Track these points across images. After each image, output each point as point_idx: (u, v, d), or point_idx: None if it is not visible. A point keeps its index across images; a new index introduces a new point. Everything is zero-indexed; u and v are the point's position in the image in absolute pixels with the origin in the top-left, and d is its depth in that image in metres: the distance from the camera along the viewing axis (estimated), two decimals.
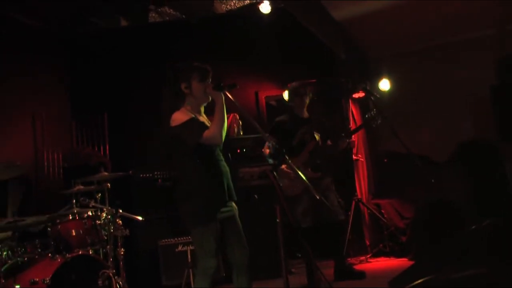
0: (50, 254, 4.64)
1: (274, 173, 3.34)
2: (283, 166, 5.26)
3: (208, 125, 3.65)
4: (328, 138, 5.71)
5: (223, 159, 3.72)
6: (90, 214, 5.05)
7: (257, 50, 7.48)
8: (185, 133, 3.51)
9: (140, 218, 5.44)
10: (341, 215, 5.57)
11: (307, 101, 5.67)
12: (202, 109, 3.75)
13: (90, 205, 5.23)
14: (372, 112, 5.54)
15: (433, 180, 5.74)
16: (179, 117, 3.54)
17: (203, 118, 3.72)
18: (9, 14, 6.29)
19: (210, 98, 3.65)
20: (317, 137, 5.60)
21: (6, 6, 6.06)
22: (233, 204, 3.76)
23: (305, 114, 5.71)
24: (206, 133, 3.48)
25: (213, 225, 3.53)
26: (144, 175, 6.40)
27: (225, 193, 3.63)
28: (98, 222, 5.05)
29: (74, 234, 4.80)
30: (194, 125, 3.52)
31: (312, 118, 5.72)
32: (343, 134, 5.63)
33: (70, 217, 4.89)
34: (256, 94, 7.81)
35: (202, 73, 3.64)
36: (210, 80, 3.65)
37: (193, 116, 3.57)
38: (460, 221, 5.46)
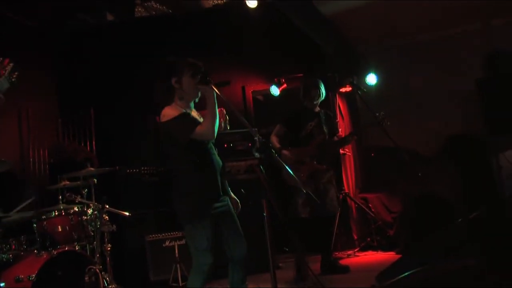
0: (36, 251, 4.60)
1: (261, 167, 3.33)
2: (286, 153, 5.47)
3: (200, 120, 3.61)
4: (335, 134, 5.86)
5: (216, 153, 3.67)
6: (77, 209, 5.00)
7: (244, 45, 7.43)
8: (176, 129, 3.45)
9: (127, 213, 5.41)
10: (336, 209, 5.68)
11: (319, 99, 5.74)
12: (192, 105, 3.67)
13: (77, 201, 5.20)
14: (380, 114, 5.55)
15: (420, 174, 5.69)
16: (169, 112, 3.48)
17: (195, 113, 3.66)
18: None
19: (200, 94, 3.59)
20: (325, 131, 5.72)
21: None
22: (228, 199, 3.70)
23: (316, 108, 5.80)
24: (199, 129, 3.43)
25: (207, 220, 3.46)
26: (131, 171, 6.35)
27: (219, 188, 3.59)
28: (84, 217, 5.02)
29: (60, 230, 4.77)
30: (185, 120, 3.47)
31: (322, 112, 5.82)
32: (352, 132, 5.77)
33: (56, 213, 4.86)
34: (243, 88, 7.76)
35: (194, 68, 3.55)
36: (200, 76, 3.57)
37: (184, 111, 3.52)
38: (447, 214, 5.48)
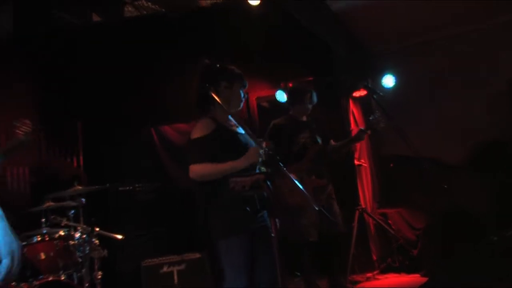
0: (14, 282, 4.44)
1: (268, 182, 3.39)
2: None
3: (237, 129, 3.71)
4: (330, 139, 5.72)
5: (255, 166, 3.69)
6: (62, 234, 4.95)
7: (245, 46, 7.29)
8: (189, 151, 3.58)
9: (119, 236, 5.46)
10: (343, 226, 5.58)
11: (310, 106, 5.67)
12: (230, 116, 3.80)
13: (62, 224, 5.17)
14: (375, 114, 5.53)
15: (445, 186, 5.43)
16: (198, 129, 3.61)
17: (233, 125, 3.75)
18: None
19: (241, 107, 3.80)
20: (319, 140, 5.62)
21: None
22: (266, 214, 3.72)
23: (304, 118, 5.72)
24: (196, 167, 3.49)
25: (243, 236, 3.50)
26: (124, 189, 6.44)
27: (257, 202, 3.60)
28: (71, 242, 4.97)
29: (43, 257, 4.69)
30: (202, 146, 3.54)
31: (311, 120, 5.73)
32: (362, 128, 5.65)
33: (39, 238, 4.79)
34: (246, 95, 7.61)
35: (242, 79, 3.81)
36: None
37: (207, 132, 3.57)
38: (478, 231, 5.45)
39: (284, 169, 3.37)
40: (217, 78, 3.74)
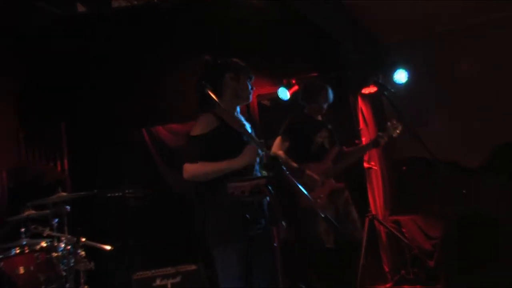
0: None
1: (270, 187, 3.29)
2: (312, 174, 5.39)
3: (242, 127, 3.72)
4: (343, 144, 5.88)
5: (257, 168, 3.75)
6: (44, 245, 4.93)
7: (245, 40, 7.23)
8: (186, 149, 3.67)
9: (108, 247, 5.43)
10: (361, 234, 5.77)
11: (325, 106, 5.74)
12: (239, 109, 3.92)
13: (45, 234, 5.15)
14: (393, 121, 5.65)
15: (464, 191, 5.45)
16: (198, 125, 3.67)
17: (237, 121, 3.80)
18: None
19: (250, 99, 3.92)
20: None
21: None
22: (265, 220, 3.74)
23: (319, 117, 5.80)
24: (189, 166, 3.55)
25: (240, 244, 3.50)
26: (113, 195, 6.38)
27: (257, 207, 3.65)
28: (54, 254, 4.95)
29: (22, 272, 4.68)
30: (199, 144, 3.60)
31: (326, 120, 5.84)
32: (380, 133, 5.71)
33: (18, 251, 4.80)
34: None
35: (248, 70, 3.91)
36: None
37: (207, 131, 3.62)
38: (501, 240, 5.39)
39: (287, 173, 3.32)
40: (222, 71, 3.81)
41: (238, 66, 3.88)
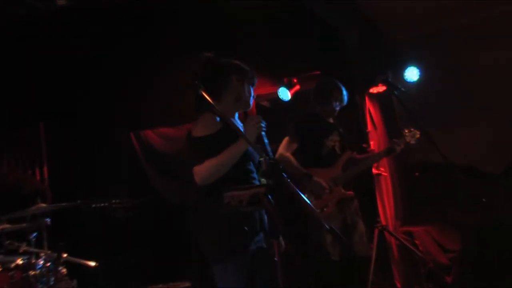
0: None
1: (269, 196, 3.28)
2: (320, 182, 5.36)
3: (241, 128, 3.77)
4: (354, 149, 5.81)
5: (256, 176, 3.77)
6: (20, 262, 4.84)
7: (242, 36, 7.24)
8: (191, 151, 3.66)
9: (92, 263, 5.36)
10: (369, 248, 5.68)
11: (337, 108, 5.74)
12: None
13: (21, 250, 5.05)
14: (409, 130, 5.64)
15: (483, 199, 5.45)
16: (200, 126, 3.66)
17: (235, 125, 3.78)
18: None
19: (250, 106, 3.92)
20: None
21: None
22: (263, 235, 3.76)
23: (331, 119, 5.79)
24: (199, 170, 3.53)
25: (241, 259, 3.53)
26: (98, 205, 6.33)
27: (256, 222, 3.64)
28: (32, 273, 4.85)
29: None
30: (205, 145, 3.60)
31: (338, 124, 5.80)
32: (395, 140, 5.70)
33: None
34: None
35: (252, 75, 3.91)
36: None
37: (211, 132, 3.63)
38: None
39: (289, 180, 3.25)
40: (227, 72, 3.83)
41: (243, 69, 3.89)
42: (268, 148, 3.60)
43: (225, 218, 3.54)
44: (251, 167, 3.77)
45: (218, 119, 3.66)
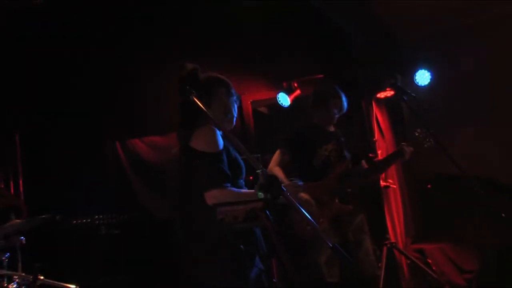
0: None
1: (267, 212, 3.20)
2: (305, 197, 5.28)
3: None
4: (362, 159, 5.79)
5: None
6: None
7: (239, 38, 7.37)
8: (209, 170, 3.56)
9: (72, 286, 5.14)
10: (376, 268, 5.60)
11: (336, 115, 5.73)
12: None
13: None
14: (422, 130, 5.60)
15: (503, 214, 5.37)
16: (210, 140, 3.62)
17: (238, 142, 3.80)
18: None
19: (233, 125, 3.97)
20: (347, 156, 5.67)
21: None
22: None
23: (331, 127, 5.77)
24: (216, 194, 3.51)
25: (238, 284, 3.52)
26: (79, 221, 6.33)
27: (258, 240, 3.67)
28: None
29: None
30: (221, 165, 3.59)
31: (339, 132, 5.79)
32: (404, 143, 5.68)
33: None
34: (239, 98, 7.47)
35: (235, 93, 3.94)
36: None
37: (221, 147, 3.64)
38: None
39: (288, 194, 3.23)
40: (216, 84, 3.86)
41: (229, 84, 3.92)
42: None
43: (217, 237, 3.53)
44: (241, 182, 3.75)
45: (220, 133, 3.68)
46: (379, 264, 6.49)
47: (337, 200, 5.41)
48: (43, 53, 6.93)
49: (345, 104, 5.71)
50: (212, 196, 3.50)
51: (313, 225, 3.50)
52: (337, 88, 5.66)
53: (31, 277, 4.86)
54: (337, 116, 5.69)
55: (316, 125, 5.68)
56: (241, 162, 3.78)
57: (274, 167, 5.49)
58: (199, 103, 3.49)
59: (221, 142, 3.64)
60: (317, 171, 5.48)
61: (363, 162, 5.76)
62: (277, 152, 5.56)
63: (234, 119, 3.96)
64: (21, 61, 6.89)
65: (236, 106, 3.96)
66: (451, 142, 5.44)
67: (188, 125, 3.74)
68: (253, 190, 3.46)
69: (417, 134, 5.64)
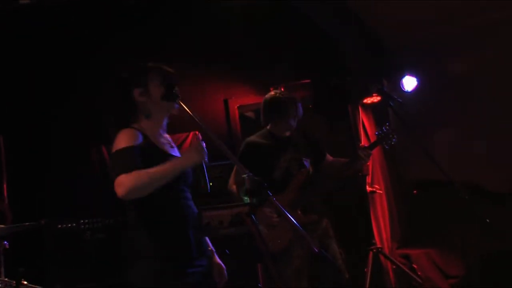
0: None
1: (253, 217, 3.23)
2: (266, 211, 5.12)
3: (171, 148, 3.66)
4: (325, 154, 5.57)
5: (189, 197, 3.66)
6: None
7: (226, 43, 7.34)
8: (113, 165, 3.44)
9: None
10: (345, 273, 5.38)
11: (294, 123, 5.44)
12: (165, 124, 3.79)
13: None
14: (385, 128, 5.38)
15: (488, 220, 5.43)
16: (120, 140, 3.44)
17: (165, 139, 3.72)
18: None
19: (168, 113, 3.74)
20: (306, 164, 5.44)
21: None
22: (207, 262, 3.68)
23: (286, 132, 5.51)
24: (121, 177, 3.28)
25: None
26: (64, 226, 6.04)
27: (192, 247, 3.53)
28: None
29: None
30: (129, 155, 3.38)
31: (296, 135, 5.52)
32: (359, 150, 5.33)
33: None
34: (226, 102, 7.72)
35: (163, 73, 3.67)
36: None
37: (134, 144, 3.44)
38: None
39: (274, 199, 3.28)
40: (128, 87, 3.65)
41: (146, 75, 3.67)
42: (207, 176, 3.58)
43: (153, 245, 3.43)
44: (184, 186, 3.62)
45: (139, 134, 3.57)
46: (365, 270, 6.52)
47: (299, 212, 5.19)
48: (28, 56, 6.92)
49: (300, 109, 5.44)
50: (119, 184, 3.29)
51: (303, 233, 3.45)
52: (293, 97, 5.46)
53: (14, 282, 4.72)
54: (294, 123, 5.42)
55: (271, 134, 5.45)
56: (189, 170, 3.64)
57: (230, 185, 5.36)
58: (185, 107, 3.46)
59: (137, 140, 3.46)
60: (278, 183, 5.21)
61: (328, 156, 5.51)
62: (235, 168, 5.34)
63: (166, 118, 3.74)
64: (5, 64, 6.83)
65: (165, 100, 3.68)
66: (437, 148, 5.52)
67: (122, 125, 3.58)
68: (176, 160, 3.48)
69: (377, 133, 5.46)
